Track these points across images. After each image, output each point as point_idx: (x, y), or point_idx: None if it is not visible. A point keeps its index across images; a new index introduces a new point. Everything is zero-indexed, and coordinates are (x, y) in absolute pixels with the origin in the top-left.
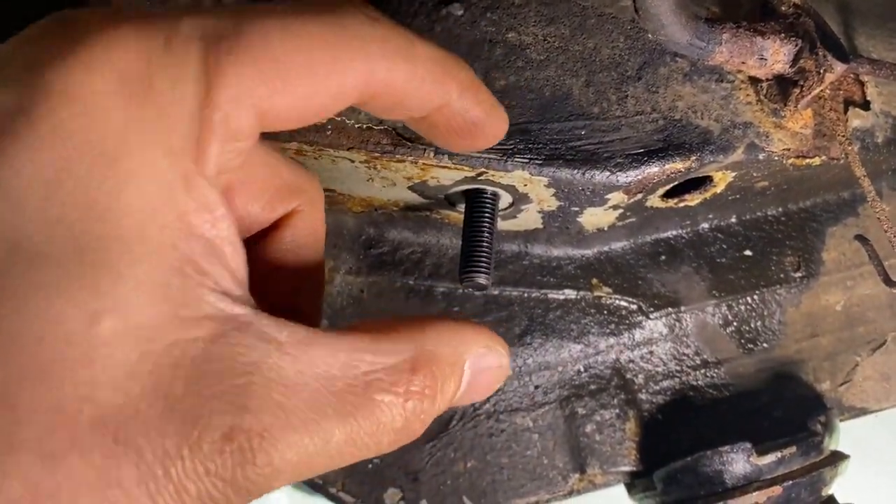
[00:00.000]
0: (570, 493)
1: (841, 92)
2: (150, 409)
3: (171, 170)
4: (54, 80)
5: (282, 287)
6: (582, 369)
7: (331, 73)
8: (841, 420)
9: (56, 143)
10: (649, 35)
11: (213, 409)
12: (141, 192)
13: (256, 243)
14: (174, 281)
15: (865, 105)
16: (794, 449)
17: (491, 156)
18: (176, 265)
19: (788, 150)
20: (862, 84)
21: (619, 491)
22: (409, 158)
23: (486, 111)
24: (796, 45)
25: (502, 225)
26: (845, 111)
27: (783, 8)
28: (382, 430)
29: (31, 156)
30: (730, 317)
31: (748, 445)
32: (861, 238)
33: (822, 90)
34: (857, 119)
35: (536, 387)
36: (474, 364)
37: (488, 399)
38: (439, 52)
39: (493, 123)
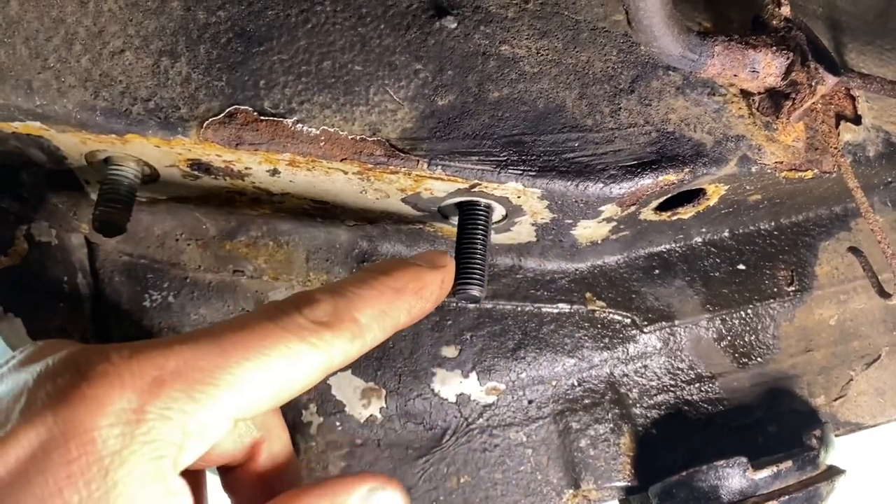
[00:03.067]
0: None
1: (832, 106)
2: None
3: (155, 473)
4: (71, 418)
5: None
6: (576, 383)
7: (291, 383)
8: (836, 436)
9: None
10: (642, 48)
11: None
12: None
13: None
14: None
15: (857, 119)
16: (789, 463)
17: (484, 167)
18: None
19: (781, 162)
20: (853, 99)
21: None
22: (403, 170)
23: (436, 299)
24: (788, 58)
25: (496, 238)
26: (837, 125)
27: (774, 22)
28: None
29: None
30: (724, 331)
31: (744, 460)
32: (854, 250)
33: (814, 103)
34: (848, 133)
35: (530, 401)
36: None
37: (481, 414)
38: (381, 300)
39: (445, 292)
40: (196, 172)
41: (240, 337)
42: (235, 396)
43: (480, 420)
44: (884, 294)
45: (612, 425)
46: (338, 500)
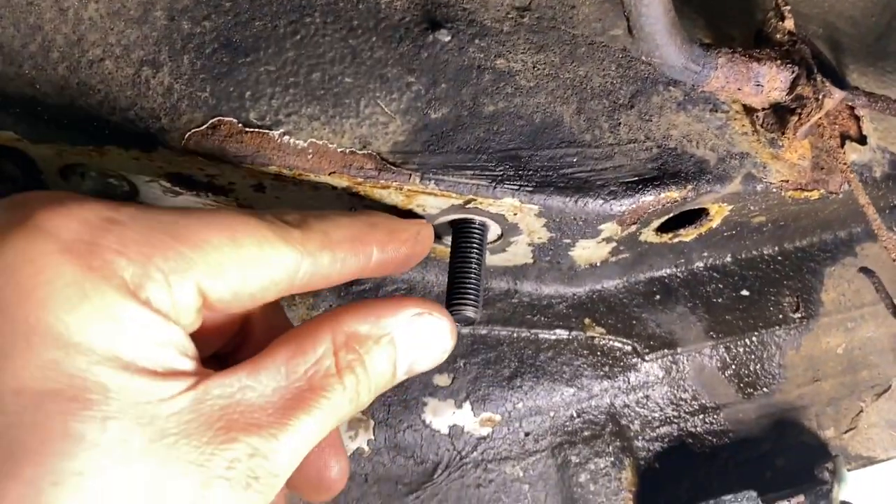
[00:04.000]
0: None
1: (837, 126)
2: None
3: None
4: (7, 253)
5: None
6: (575, 414)
7: (259, 266)
8: (847, 470)
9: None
10: (643, 59)
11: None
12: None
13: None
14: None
15: (862, 140)
16: (801, 498)
17: (479, 182)
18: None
19: (786, 181)
20: (858, 119)
21: None
22: (395, 184)
23: (412, 245)
24: (793, 72)
25: (491, 260)
26: (842, 145)
27: (778, 35)
28: (335, 409)
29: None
30: (728, 359)
31: (753, 494)
32: (866, 270)
33: (820, 118)
34: (854, 153)
35: (527, 433)
36: (405, 332)
37: (475, 447)
38: (353, 227)
39: (422, 246)
40: (177, 188)
41: (206, 214)
42: (201, 258)
43: (474, 453)
44: None
45: (613, 459)
46: (381, 323)
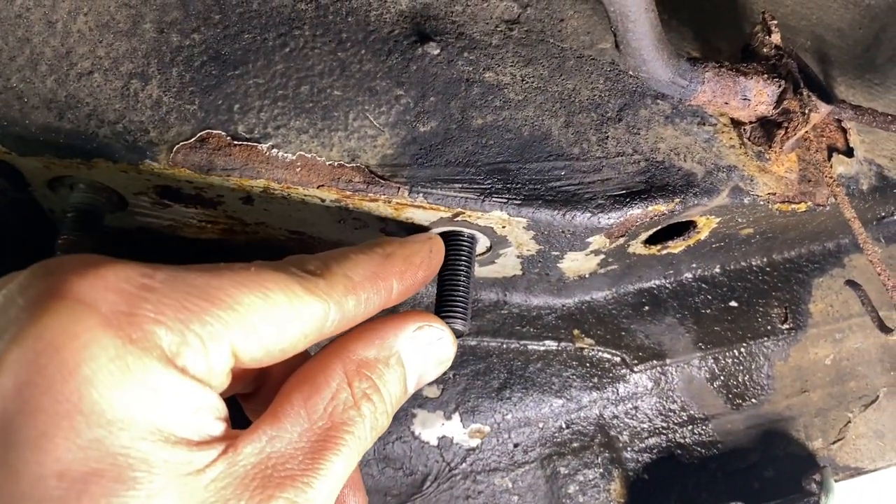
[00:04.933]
0: None
1: (824, 138)
2: None
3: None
4: (49, 327)
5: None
6: (564, 426)
7: (291, 322)
8: (835, 481)
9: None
10: (630, 73)
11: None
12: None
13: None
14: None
15: (849, 152)
16: None
17: (468, 195)
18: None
19: (774, 194)
20: (844, 131)
21: None
22: (383, 197)
23: (426, 266)
24: (780, 86)
25: (480, 272)
26: (829, 158)
27: (765, 50)
28: (360, 441)
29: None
30: (716, 370)
31: None
32: (852, 283)
33: (806, 132)
34: (841, 166)
35: (516, 445)
36: (410, 348)
37: (464, 458)
38: (370, 263)
39: (437, 261)
40: (165, 201)
41: (236, 272)
42: (236, 321)
43: (463, 465)
44: (885, 329)
45: (602, 470)
46: (387, 344)
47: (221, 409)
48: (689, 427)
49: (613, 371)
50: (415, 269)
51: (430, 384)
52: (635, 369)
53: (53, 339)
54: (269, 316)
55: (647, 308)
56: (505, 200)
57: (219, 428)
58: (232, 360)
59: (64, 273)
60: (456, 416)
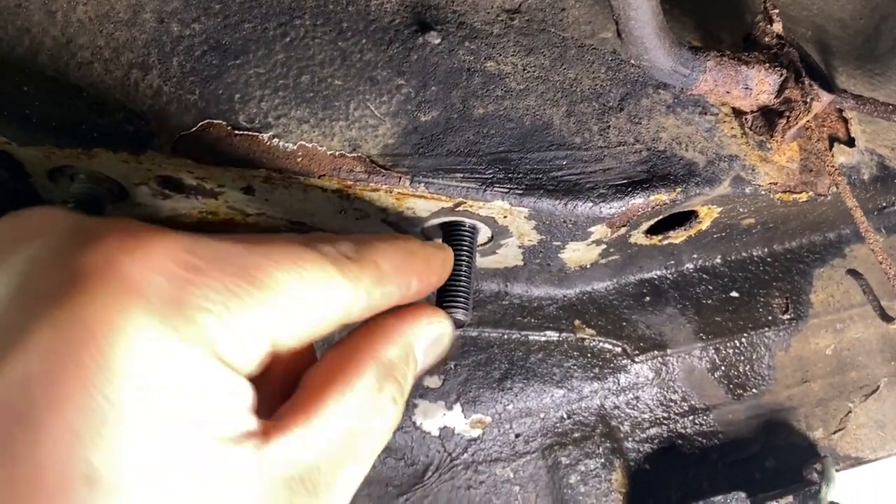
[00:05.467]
0: None
1: (825, 128)
2: None
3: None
4: (88, 308)
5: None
6: (565, 416)
7: (325, 307)
8: (836, 470)
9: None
10: (632, 62)
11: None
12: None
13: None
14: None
15: (850, 142)
16: (790, 499)
17: (469, 185)
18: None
19: (775, 183)
20: (846, 121)
21: None
22: (384, 187)
23: (440, 273)
24: (781, 75)
25: (481, 262)
26: (830, 147)
27: (766, 39)
28: (382, 445)
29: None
30: (717, 360)
31: (742, 495)
32: (854, 273)
33: (808, 121)
34: (842, 156)
35: (517, 435)
36: (422, 343)
37: (466, 448)
38: (396, 256)
39: (447, 273)
40: (166, 191)
41: (275, 248)
42: (275, 305)
43: (465, 455)
44: (886, 318)
45: (603, 460)
46: (407, 341)
47: (253, 399)
48: (691, 417)
49: (614, 361)
50: (430, 273)
51: (431, 374)
52: (636, 360)
53: (93, 325)
54: (306, 300)
55: (648, 298)
56: (506, 190)
57: (251, 423)
58: (270, 347)
59: (107, 245)
60: (457, 407)
